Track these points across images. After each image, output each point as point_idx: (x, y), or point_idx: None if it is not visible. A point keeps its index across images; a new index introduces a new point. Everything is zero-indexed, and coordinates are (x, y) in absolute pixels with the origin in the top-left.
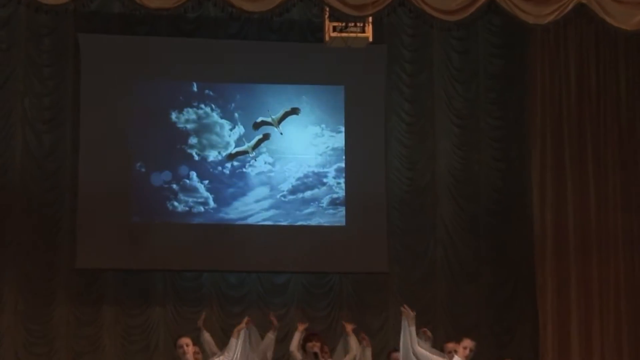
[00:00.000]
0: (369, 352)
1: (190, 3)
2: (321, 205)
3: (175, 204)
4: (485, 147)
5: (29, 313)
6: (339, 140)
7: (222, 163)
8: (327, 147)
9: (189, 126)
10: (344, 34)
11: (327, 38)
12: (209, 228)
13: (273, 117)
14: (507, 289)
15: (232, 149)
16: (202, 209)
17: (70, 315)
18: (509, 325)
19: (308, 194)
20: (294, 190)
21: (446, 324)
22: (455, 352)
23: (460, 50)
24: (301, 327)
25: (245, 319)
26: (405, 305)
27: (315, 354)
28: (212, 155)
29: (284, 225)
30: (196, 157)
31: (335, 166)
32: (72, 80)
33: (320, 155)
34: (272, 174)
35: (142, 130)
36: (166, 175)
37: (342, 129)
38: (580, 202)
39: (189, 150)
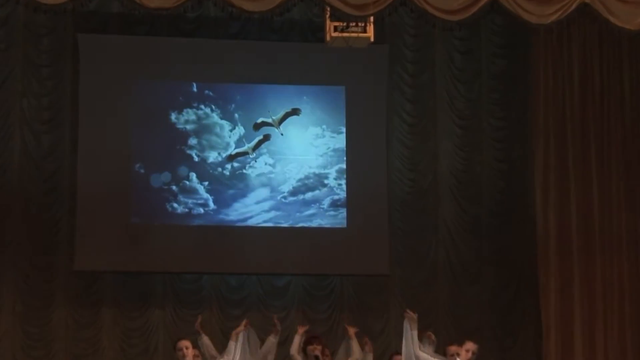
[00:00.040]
0: (370, 358)
1: (190, 3)
2: (322, 206)
3: (175, 205)
4: (487, 148)
5: (27, 315)
6: (340, 141)
7: (222, 164)
8: (328, 148)
9: (189, 127)
10: (345, 34)
11: (328, 38)
12: (209, 230)
13: (273, 117)
14: (510, 291)
15: (232, 150)
16: (201, 210)
17: (69, 317)
18: (511, 328)
19: (309, 195)
20: (294, 192)
21: (448, 326)
22: (458, 355)
23: (463, 50)
24: (301, 330)
25: (244, 322)
26: (407, 310)
27: (316, 357)
28: (212, 156)
29: (284, 227)
30: (196, 158)
31: (336, 167)
32: (70, 80)
33: (321, 156)
34: (272, 175)
35: (141, 131)
36: (166, 176)
37: (343, 129)
38: (584, 202)
39: (189, 151)
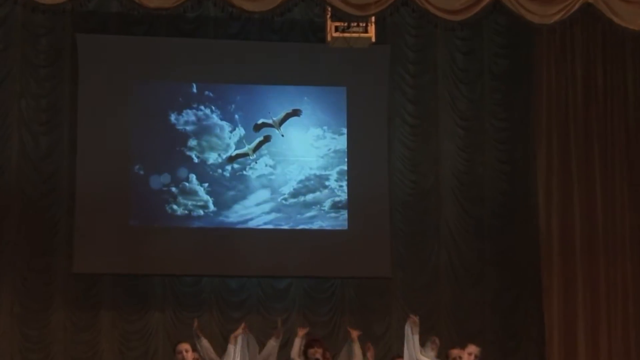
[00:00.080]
0: None
1: (190, 3)
2: (323, 208)
3: (175, 207)
4: (490, 149)
5: (25, 317)
6: (341, 142)
7: (222, 165)
8: (329, 149)
9: (189, 128)
10: (346, 34)
11: (329, 38)
12: (209, 232)
13: (274, 118)
14: (513, 293)
15: (232, 151)
16: (201, 212)
17: (68, 320)
18: (514, 330)
19: (310, 197)
20: (295, 194)
21: (450, 329)
22: (460, 358)
23: (465, 50)
24: (301, 333)
25: (242, 325)
26: (411, 315)
27: None
28: (212, 158)
29: (285, 229)
30: (196, 160)
31: (337, 169)
32: (69, 81)
33: (322, 157)
34: (273, 177)
35: (140, 132)
36: (165, 177)
37: (345, 130)
38: (587, 203)
39: (189, 153)
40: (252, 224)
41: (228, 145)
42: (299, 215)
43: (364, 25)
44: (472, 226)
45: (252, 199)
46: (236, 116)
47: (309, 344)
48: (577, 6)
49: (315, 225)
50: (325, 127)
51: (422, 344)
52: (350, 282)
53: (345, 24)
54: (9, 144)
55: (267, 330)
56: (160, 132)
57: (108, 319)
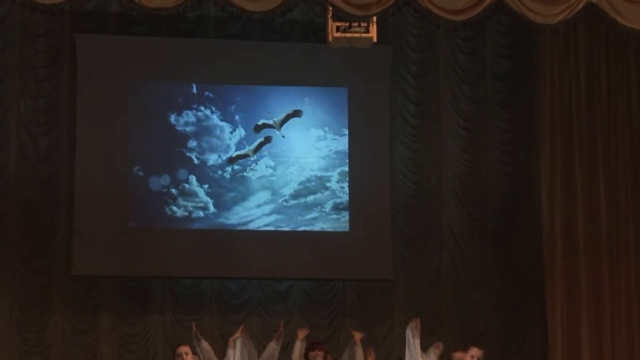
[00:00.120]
0: None
1: (190, 2)
2: (324, 210)
3: (174, 208)
4: (492, 150)
5: (23, 320)
6: (343, 143)
7: (222, 167)
8: (330, 150)
9: (189, 129)
10: (347, 34)
11: (330, 38)
12: (209, 234)
13: (275, 119)
14: (516, 296)
15: (232, 153)
16: (201, 214)
17: (66, 323)
18: (517, 333)
19: (311, 198)
20: (296, 195)
21: (453, 332)
22: None
23: (467, 50)
24: (302, 335)
25: (240, 328)
26: (412, 319)
27: None
28: (212, 159)
29: (285, 231)
30: (196, 161)
31: (338, 170)
32: (68, 81)
33: (323, 158)
34: (273, 178)
35: (140, 133)
36: (165, 179)
37: (346, 131)
38: (591, 205)
39: (188, 154)
40: (252, 226)
41: (228, 146)
42: (299, 217)
43: (366, 25)
44: (475, 228)
45: (253, 201)
46: (236, 117)
47: (310, 346)
48: (580, 6)
49: (316, 227)
50: (326, 128)
51: (425, 348)
52: (351, 285)
53: (347, 24)
54: (7, 144)
55: (267, 333)
56: (160, 133)
57: (107, 321)
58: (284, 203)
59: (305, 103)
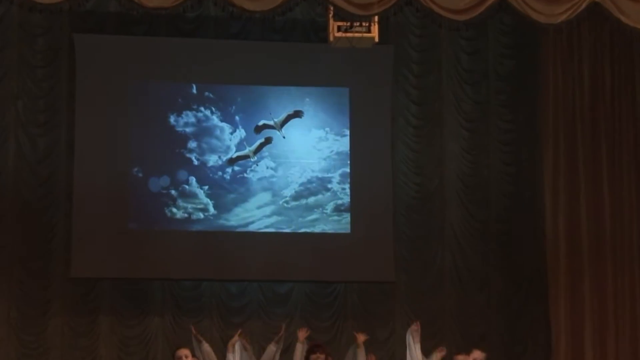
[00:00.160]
0: None
1: (190, 2)
2: (325, 211)
3: (174, 210)
4: (495, 151)
5: (22, 323)
6: (344, 144)
7: (222, 168)
8: (332, 151)
9: (188, 130)
10: (348, 34)
11: (331, 38)
12: (209, 235)
13: (275, 120)
14: (519, 298)
15: (232, 154)
16: (201, 215)
17: (65, 325)
18: (520, 335)
19: (312, 200)
20: (297, 196)
21: (455, 334)
22: None
23: (470, 50)
24: (302, 336)
25: (238, 332)
26: (413, 322)
27: None
28: (212, 160)
29: (286, 233)
30: (195, 162)
31: (339, 171)
32: (67, 81)
33: (324, 159)
34: (274, 179)
35: (139, 133)
36: (164, 180)
37: (347, 132)
38: (594, 206)
39: (188, 155)
40: (252, 228)
41: (228, 147)
42: (300, 219)
43: (367, 25)
44: (477, 229)
45: (253, 202)
46: (237, 117)
47: (311, 349)
48: (584, 5)
49: (318, 228)
50: (327, 129)
51: (428, 351)
52: (353, 287)
53: (348, 24)
54: (5, 145)
55: (268, 336)
56: (159, 134)
57: (106, 324)
58: (285, 204)
59: (306, 103)
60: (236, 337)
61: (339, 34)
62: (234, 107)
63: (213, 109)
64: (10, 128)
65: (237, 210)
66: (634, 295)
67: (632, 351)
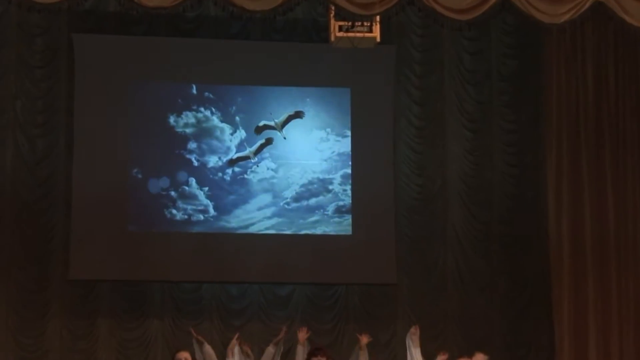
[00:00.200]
0: None
1: (190, 2)
2: (326, 213)
3: (174, 211)
4: (498, 152)
5: (20, 326)
6: (345, 145)
7: (222, 169)
8: (333, 152)
9: (188, 130)
10: (350, 34)
11: (332, 38)
12: (209, 237)
13: (276, 120)
14: (522, 301)
15: (233, 154)
16: (201, 217)
17: (64, 328)
18: (523, 337)
19: (313, 201)
20: (298, 198)
21: (458, 337)
22: None
23: (472, 50)
24: (302, 338)
25: (235, 336)
26: (412, 326)
27: None
28: (212, 161)
29: (287, 234)
30: (195, 163)
31: (341, 172)
32: (65, 82)
33: (326, 160)
34: (275, 181)
35: (139, 134)
36: (164, 181)
37: (349, 133)
38: (598, 207)
39: (188, 156)
40: (253, 229)
41: (229, 148)
42: (301, 220)
43: (369, 24)
44: (480, 231)
45: (254, 204)
46: (237, 118)
47: (312, 352)
48: (587, 5)
49: (319, 230)
50: (328, 129)
51: (430, 355)
52: (354, 289)
53: (350, 24)
54: (3, 146)
55: (268, 338)
56: (159, 135)
57: (105, 327)
58: (286, 206)
59: (307, 104)
60: (234, 342)
61: (341, 34)
62: (234, 108)
63: (213, 109)
64: (8, 129)
65: (238, 211)
66: (638, 297)
67: (636, 353)
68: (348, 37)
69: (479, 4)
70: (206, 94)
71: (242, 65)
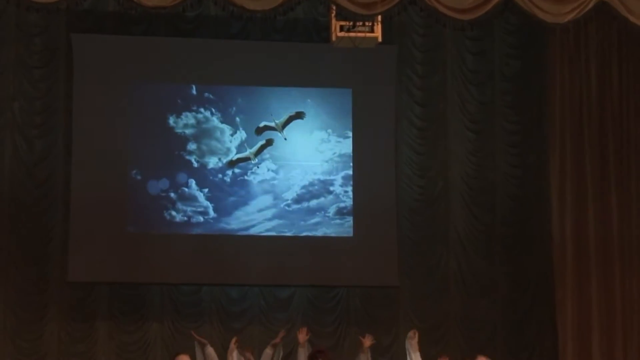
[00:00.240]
0: None
1: (189, 1)
2: (327, 214)
3: (173, 213)
4: (500, 153)
5: (18, 328)
6: (347, 146)
7: (222, 170)
8: (334, 153)
9: (188, 131)
10: (351, 34)
11: (333, 38)
12: (209, 239)
13: (276, 121)
14: (525, 303)
15: (233, 156)
16: (201, 218)
17: (62, 331)
18: (527, 340)
19: (314, 203)
20: (298, 199)
21: (460, 340)
22: None
23: (475, 51)
24: (302, 339)
25: (233, 340)
26: (411, 331)
27: None
28: (212, 162)
29: (288, 236)
30: (195, 164)
31: (342, 173)
32: (64, 82)
33: (327, 162)
34: (275, 182)
35: (138, 135)
36: (163, 183)
37: (350, 134)
38: (602, 209)
39: (188, 157)
40: (253, 231)
41: (229, 149)
42: (302, 222)
43: (370, 24)
44: (482, 233)
45: (254, 205)
46: (237, 119)
47: (313, 355)
48: (591, 5)
49: (320, 232)
50: (329, 130)
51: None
52: (355, 291)
53: (351, 23)
54: (1, 147)
55: (269, 341)
56: (158, 136)
57: (104, 329)
58: (286, 207)
59: (308, 104)
60: (233, 346)
61: (342, 34)
62: (234, 108)
63: (213, 110)
64: (6, 130)
65: (238, 213)
66: None
67: None
68: (349, 37)
69: (481, 4)
70: (206, 94)
71: (242, 66)
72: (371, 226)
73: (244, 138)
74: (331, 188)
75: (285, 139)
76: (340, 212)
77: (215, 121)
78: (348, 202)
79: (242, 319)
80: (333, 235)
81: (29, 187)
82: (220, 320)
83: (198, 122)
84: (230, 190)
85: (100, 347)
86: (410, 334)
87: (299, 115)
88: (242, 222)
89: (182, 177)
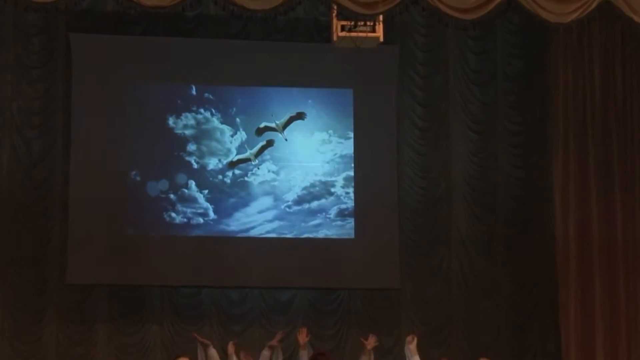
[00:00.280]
0: None
1: (189, 1)
2: (328, 216)
3: (173, 215)
4: (503, 154)
5: (16, 331)
6: (348, 147)
7: (222, 171)
8: (335, 154)
9: (188, 132)
10: (353, 34)
11: (335, 38)
12: (209, 241)
13: (277, 122)
14: (528, 304)
15: (233, 157)
16: (201, 220)
17: (61, 333)
18: (529, 343)
19: (314, 204)
20: (299, 201)
21: (462, 342)
22: None
23: (477, 50)
24: (303, 340)
25: (230, 343)
26: (410, 336)
27: None
28: (212, 163)
29: (288, 238)
30: (195, 165)
31: (343, 175)
32: (62, 82)
33: (328, 163)
34: (276, 183)
35: (137, 136)
36: (163, 184)
37: (351, 134)
38: (606, 210)
39: (188, 158)
40: (254, 233)
41: (229, 150)
42: (303, 224)
43: (372, 24)
44: (485, 234)
45: (254, 207)
46: (237, 119)
47: (315, 358)
48: (594, 4)
49: (321, 233)
50: (330, 131)
51: None
52: (357, 294)
53: (352, 23)
54: None
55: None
56: (157, 137)
57: (103, 332)
58: (287, 209)
59: (308, 105)
60: (232, 349)
61: (343, 34)
62: (234, 109)
63: (213, 110)
64: (4, 130)
65: (238, 214)
66: None
67: None
68: (350, 37)
69: (484, 3)
70: (206, 94)
71: (242, 66)
72: (373, 228)
73: (244, 139)
74: (332, 189)
75: (286, 139)
76: (342, 214)
77: (215, 122)
78: (349, 203)
79: (243, 321)
80: (334, 237)
81: (28, 188)
82: (221, 322)
83: (198, 122)
84: (230, 191)
85: (99, 350)
86: (409, 338)
87: (300, 116)
88: (243, 223)
89: (182, 178)
